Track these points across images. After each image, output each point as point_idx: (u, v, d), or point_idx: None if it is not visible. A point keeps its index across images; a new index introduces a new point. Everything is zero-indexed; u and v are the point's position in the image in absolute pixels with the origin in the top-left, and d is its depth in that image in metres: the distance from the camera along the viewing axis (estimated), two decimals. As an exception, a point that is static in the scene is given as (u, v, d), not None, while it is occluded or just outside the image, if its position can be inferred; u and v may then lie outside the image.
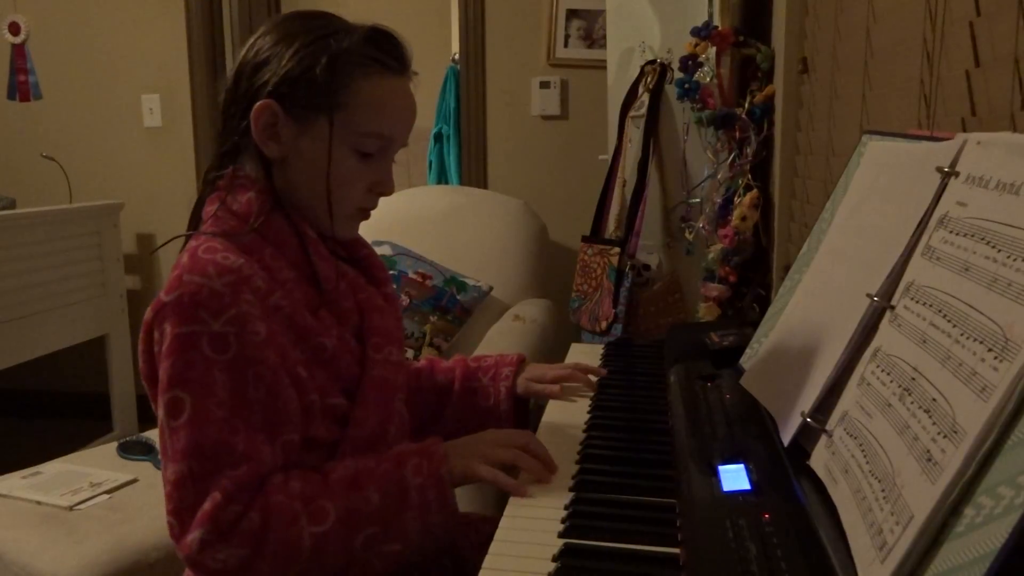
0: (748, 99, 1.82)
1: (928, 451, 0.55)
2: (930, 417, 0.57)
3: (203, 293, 0.83)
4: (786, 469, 0.77)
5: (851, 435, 0.69)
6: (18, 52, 2.99)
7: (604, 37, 2.58)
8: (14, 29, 3.00)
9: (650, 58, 2.15)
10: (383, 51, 0.92)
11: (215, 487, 0.81)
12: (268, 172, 0.94)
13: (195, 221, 0.95)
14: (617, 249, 2.09)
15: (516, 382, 1.17)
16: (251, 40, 0.94)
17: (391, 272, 2.40)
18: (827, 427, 0.74)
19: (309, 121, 0.91)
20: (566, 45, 2.84)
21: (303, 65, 0.89)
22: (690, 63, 1.93)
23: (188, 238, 0.92)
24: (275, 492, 0.83)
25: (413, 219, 2.61)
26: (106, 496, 1.56)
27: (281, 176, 0.94)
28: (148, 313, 0.86)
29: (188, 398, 0.82)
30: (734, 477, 0.78)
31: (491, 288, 2.47)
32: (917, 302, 0.67)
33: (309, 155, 0.92)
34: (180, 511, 0.82)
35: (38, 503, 1.53)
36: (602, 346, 1.44)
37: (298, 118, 0.91)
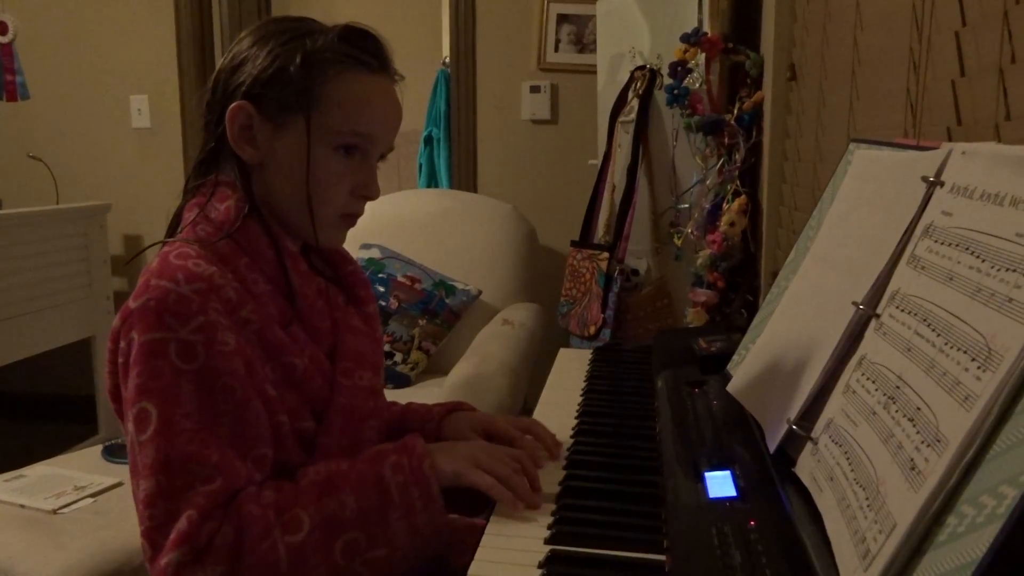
0: (737, 105, 1.83)
1: (912, 460, 0.55)
2: (914, 426, 0.57)
3: (170, 299, 0.80)
4: (772, 476, 0.77)
5: (836, 443, 0.69)
6: (5, 52, 2.97)
7: (594, 42, 2.59)
8: (1, 29, 2.98)
9: (640, 64, 2.16)
10: (359, 48, 0.90)
11: (188, 504, 0.76)
12: (247, 179, 0.91)
13: (173, 229, 0.93)
14: (606, 254, 2.09)
15: (444, 427, 1.06)
16: (230, 46, 0.92)
17: (380, 275, 2.40)
18: (813, 434, 0.74)
19: (285, 121, 0.88)
20: (556, 50, 2.85)
21: (277, 65, 0.87)
22: (679, 69, 1.93)
23: (164, 244, 0.90)
24: (247, 502, 0.79)
25: (402, 222, 2.60)
26: (90, 500, 1.55)
27: (260, 182, 0.92)
28: (116, 321, 0.83)
29: (154, 409, 0.78)
30: (720, 484, 0.78)
31: (480, 292, 2.47)
32: (902, 311, 0.68)
33: (286, 157, 0.89)
34: (152, 531, 0.77)
35: (21, 507, 1.52)
36: (590, 351, 1.44)
37: (273, 119, 0.89)
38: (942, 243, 0.66)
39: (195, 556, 0.76)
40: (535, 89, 2.88)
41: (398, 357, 2.32)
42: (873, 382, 0.67)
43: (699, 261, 1.87)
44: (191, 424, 0.79)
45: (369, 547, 0.81)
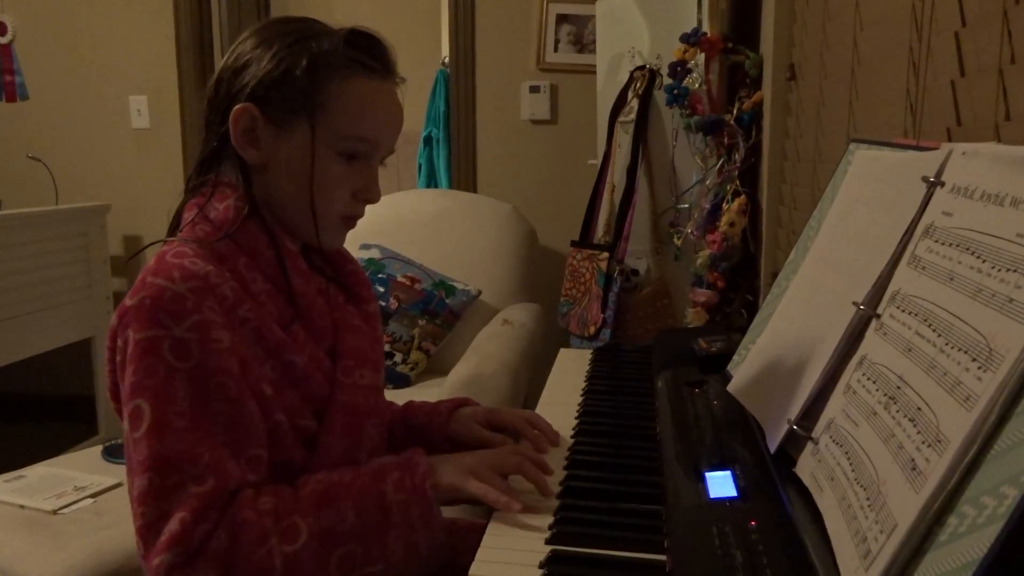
0: (736, 105, 1.83)
1: (912, 460, 0.55)
2: (915, 426, 0.57)
3: (165, 297, 0.80)
4: (772, 476, 0.77)
5: (837, 443, 0.69)
6: (4, 52, 2.97)
7: (594, 42, 2.59)
8: (1, 29, 2.98)
9: (639, 64, 2.16)
10: (364, 52, 0.90)
11: (181, 505, 0.76)
12: (247, 179, 0.91)
13: (174, 229, 0.93)
14: (606, 254, 2.09)
15: (452, 421, 1.08)
16: (233, 46, 0.92)
17: (380, 275, 2.40)
18: (813, 435, 0.74)
19: (289, 124, 0.88)
20: (556, 50, 2.85)
21: (282, 67, 0.87)
22: (679, 69, 1.93)
23: (163, 243, 0.89)
24: (244, 508, 0.79)
25: (402, 223, 2.60)
26: (90, 500, 1.55)
27: (261, 183, 0.92)
28: (113, 319, 0.83)
29: (148, 407, 0.78)
30: (721, 484, 0.78)
31: (480, 292, 2.47)
32: (903, 311, 0.68)
33: (289, 160, 0.89)
34: (144, 528, 0.77)
35: (21, 507, 1.52)
36: (590, 351, 1.44)
37: (277, 122, 0.88)
38: (942, 243, 0.66)
39: (187, 559, 0.76)
40: (534, 89, 2.88)
41: (398, 357, 2.32)
42: (874, 382, 0.67)
43: (699, 261, 1.87)
44: (184, 422, 0.79)
45: (365, 561, 0.81)
